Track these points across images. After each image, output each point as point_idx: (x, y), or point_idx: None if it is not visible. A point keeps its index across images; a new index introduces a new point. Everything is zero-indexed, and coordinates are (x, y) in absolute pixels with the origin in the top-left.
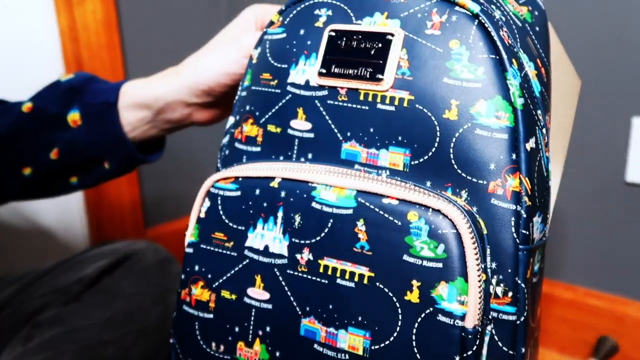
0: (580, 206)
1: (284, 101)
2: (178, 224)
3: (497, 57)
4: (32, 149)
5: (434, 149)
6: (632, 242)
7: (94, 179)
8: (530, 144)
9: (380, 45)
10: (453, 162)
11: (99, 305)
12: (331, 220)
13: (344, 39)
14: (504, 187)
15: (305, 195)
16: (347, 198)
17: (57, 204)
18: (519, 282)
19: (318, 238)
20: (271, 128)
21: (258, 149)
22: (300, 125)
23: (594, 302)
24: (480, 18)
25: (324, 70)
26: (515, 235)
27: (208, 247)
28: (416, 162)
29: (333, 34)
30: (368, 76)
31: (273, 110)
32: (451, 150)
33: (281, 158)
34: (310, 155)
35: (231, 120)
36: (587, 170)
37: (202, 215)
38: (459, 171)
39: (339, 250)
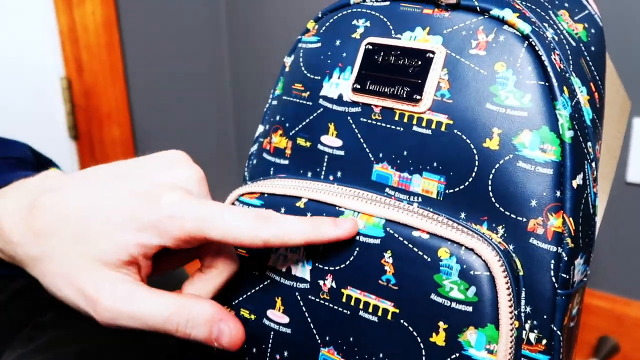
0: None
1: (315, 114)
2: None
3: (547, 84)
4: None
5: (471, 179)
6: (633, 242)
7: None
8: (578, 180)
9: (419, 62)
10: (491, 194)
11: None
12: (357, 249)
13: (382, 53)
14: (544, 227)
15: None
16: (375, 227)
17: None
18: (555, 329)
19: (342, 266)
20: (301, 142)
21: (286, 162)
22: (330, 141)
23: (595, 302)
24: (530, 40)
25: (358, 86)
26: (554, 279)
27: None
28: (451, 190)
29: (370, 47)
30: (405, 96)
31: (304, 123)
32: (489, 182)
33: (309, 174)
34: (339, 174)
35: (260, 129)
36: None
37: None
38: (497, 205)
39: (364, 281)
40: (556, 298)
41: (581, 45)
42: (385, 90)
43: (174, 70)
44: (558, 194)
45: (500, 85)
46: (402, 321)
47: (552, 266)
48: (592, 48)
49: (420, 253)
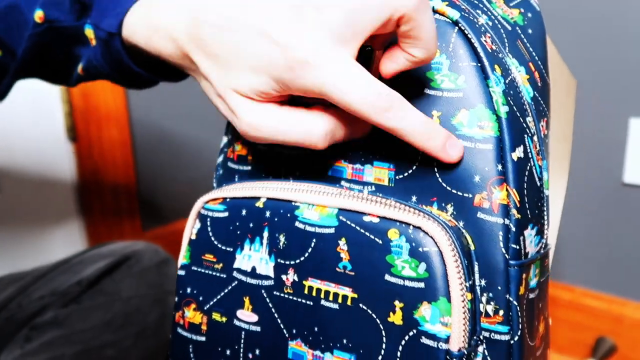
0: (578, 207)
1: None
2: (175, 226)
3: (479, 65)
4: (60, 63)
5: (417, 163)
6: (630, 243)
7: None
8: (518, 153)
9: None
10: (437, 175)
11: (98, 308)
12: (314, 240)
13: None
14: (490, 200)
15: (288, 215)
16: (329, 217)
17: (54, 206)
18: (511, 299)
19: (302, 258)
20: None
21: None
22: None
23: (592, 303)
24: (460, 25)
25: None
26: (504, 250)
27: (199, 269)
28: (401, 176)
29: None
30: None
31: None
32: (435, 162)
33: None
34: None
35: (224, 139)
36: (584, 171)
37: (194, 237)
38: (444, 184)
39: (323, 271)
40: (508, 269)
41: (517, 28)
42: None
43: None
44: (500, 167)
45: (435, 71)
46: (361, 305)
47: (500, 238)
48: (529, 31)
49: (372, 237)
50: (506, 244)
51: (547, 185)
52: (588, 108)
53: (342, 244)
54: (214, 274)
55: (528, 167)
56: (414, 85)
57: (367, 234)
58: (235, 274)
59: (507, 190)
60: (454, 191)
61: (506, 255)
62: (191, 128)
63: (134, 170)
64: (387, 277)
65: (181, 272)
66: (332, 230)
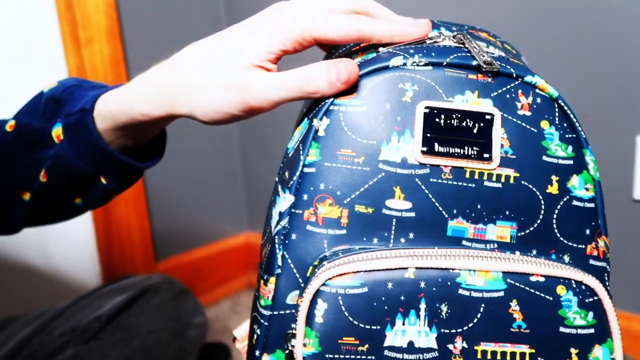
0: None
1: (375, 179)
2: (187, 256)
3: (576, 136)
4: (23, 171)
5: (539, 221)
6: None
7: (98, 197)
8: (604, 210)
9: (482, 124)
10: (556, 231)
11: (117, 344)
12: (483, 305)
13: (442, 116)
14: (597, 249)
15: (449, 283)
16: (496, 280)
17: (67, 240)
18: None
19: (470, 325)
20: (360, 209)
21: (343, 231)
22: (398, 204)
23: None
24: (559, 101)
25: (425, 149)
26: (609, 289)
27: (337, 356)
28: (522, 233)
29: (428, 110)
30: (475, 155)
31: (361, 189)
32: (554, 221)
33: (375, 240)
34: (411, 235)
35: (290, 199)
36: None
37: (320, 320)
38: (561, 238)
39: (496, 334)
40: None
41: None
42: (455, 151)
43: None
44: (600, 221)
45: (549, 140)
46: (539, 359)
47: (606, 279)
48: None
49: (542, 295)
50: (607, 284)
51: None
52: (596, 126)
53: (514, 305)
54: (360, 357)
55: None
56: (534, 152)
57: (537, 292)
58: (387, 352)
59: (604, 239)
60: (569, 243)
61: (609, 293)
62: (199, 156)
63: (145, 202)
64: (562, 329)
65: None
66: (501, 294)
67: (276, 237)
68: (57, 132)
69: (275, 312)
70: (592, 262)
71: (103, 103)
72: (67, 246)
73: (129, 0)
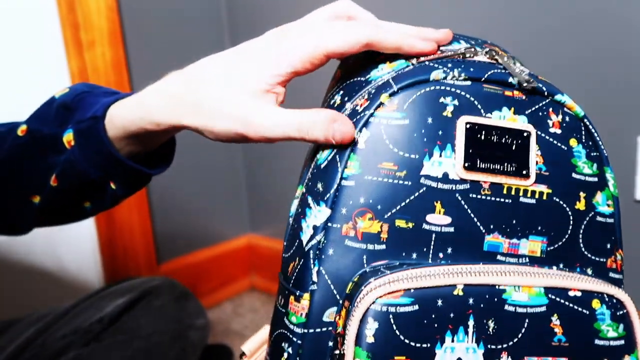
0: None
1: (417, 194)
2: (190, 258)
3: (598, 155)
4: (34, 176)
5: (567, 236)
6: None
7: (107, 201)
8: (620, 225)
9: (520, 141)
10: (582, 245)
11: (119, 346)
12: (527, 320)
13: (483, 132)
14: (616, 262)
15: (496, 299)
16: (538, 296)
17: (71, 242)
18: None
19: (515, 340)
20: (400, 223)
21: (382, 246)
22: (438, 219)
23: None
24: (585, 121)
25: (469, 164)
26: None
27: None
28: (551, 248)
29: (469, 126)
30: (514, 171)
31: (402, 203)
32: (580, 236)
33: (414, 255)
34: (449, 250)
35: (326, 212)
36: None
37: (371, 339)
38: (586, 253)
39: (538, 348)
40: None
41: None
42: (496, 167)
43: None
44: (618, 235)
45: (577, 158)
46: None
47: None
48: None
49: (580, 309)
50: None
51: None
52: (596, 127)
53: (555, 319)
54: None
55: None
56: (564, 169)
57: (575, 307)
58: None
59: (620, 253)
60: (593, 257)
61: None
62: (201, 164)
63: (148, 204)
64: (597, 341)
65: None
66: (543, 309)
67: (310, 251)
68: (68, 138)
69: (311, 330)
70: (611, 274)
71: (114, 111)
72: (71, 248)
73: (130, 3)
